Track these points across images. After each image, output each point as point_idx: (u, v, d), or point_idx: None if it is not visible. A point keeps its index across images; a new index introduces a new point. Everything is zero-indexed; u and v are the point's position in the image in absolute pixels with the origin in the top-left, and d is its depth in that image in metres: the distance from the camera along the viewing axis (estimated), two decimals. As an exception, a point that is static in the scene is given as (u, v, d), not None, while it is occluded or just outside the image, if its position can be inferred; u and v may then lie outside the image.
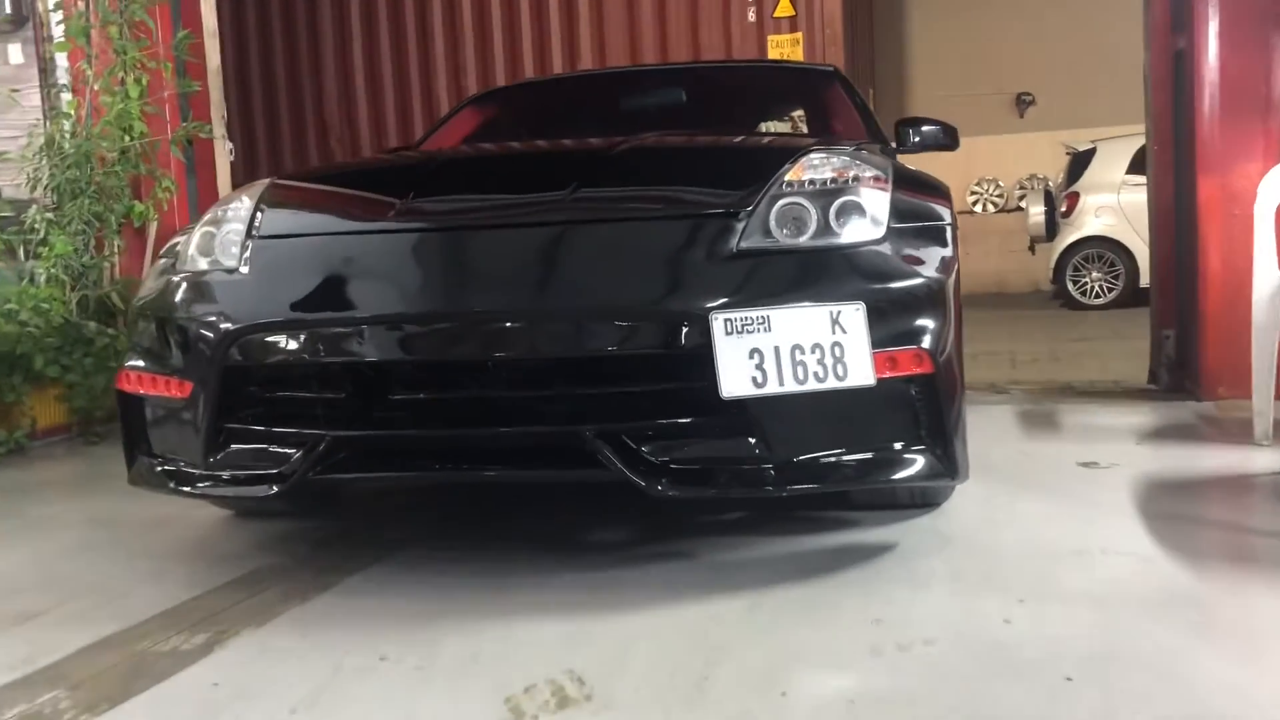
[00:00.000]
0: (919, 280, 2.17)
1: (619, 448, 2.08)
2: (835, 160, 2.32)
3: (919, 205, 2.34)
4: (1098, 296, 9.52)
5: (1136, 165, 9.25)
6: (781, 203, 2.21)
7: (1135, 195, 9.18)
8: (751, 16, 6.93)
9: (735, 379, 2.02)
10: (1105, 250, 9.30)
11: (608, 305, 2.12)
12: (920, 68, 13.90)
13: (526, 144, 3.13)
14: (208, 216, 2.55)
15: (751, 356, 2.03)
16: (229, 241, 2.43)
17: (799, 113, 3.98)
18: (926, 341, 2.12)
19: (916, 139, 3.32)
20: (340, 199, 2.66)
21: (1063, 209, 9.81)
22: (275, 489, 2.23)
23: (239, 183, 5.76)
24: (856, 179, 2.26)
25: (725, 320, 2.03)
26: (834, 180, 2.25)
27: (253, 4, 8.09)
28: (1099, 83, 12.54)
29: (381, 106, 7.90)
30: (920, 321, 2.14)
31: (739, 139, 2.94)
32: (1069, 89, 13.09)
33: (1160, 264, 4.63)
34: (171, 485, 2.38)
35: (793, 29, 6.85)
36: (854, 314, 2.05)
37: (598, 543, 2.59)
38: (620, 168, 2.53)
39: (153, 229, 5.17)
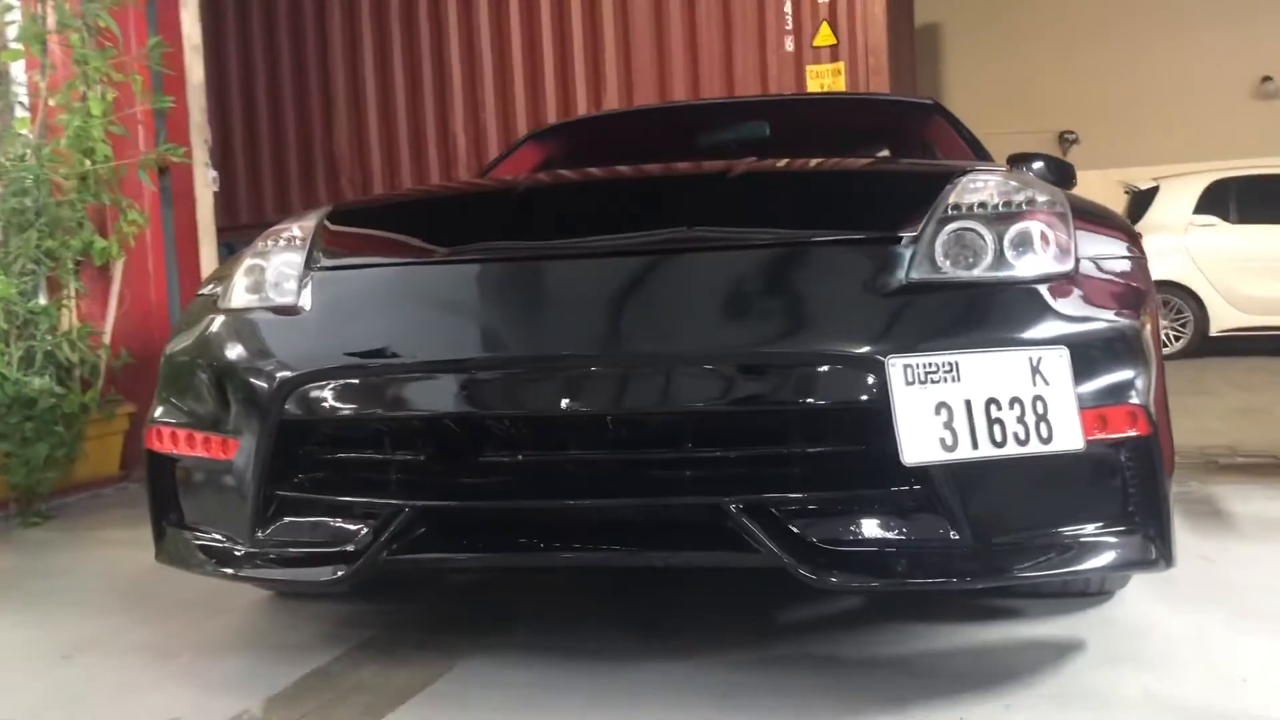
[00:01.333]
0: (1123, 322, 1.87)
1: (770, 525, 1.76)
2: (1004, 183, 2.03)
3: (1105, 236, 2.06)
4: (1164, 345, 9.18)
5: (1204, 204, 9.01)
6: (951, 227, 1.92)
7: (1203, 237, 8.94)
8: (789, 45, 6.74)
9: (919, 440, 1.71)
10: (1171, 296, 9.02)
11: (752, 348, 1.82)
12: (959, 104, 13.71)
13: (628, 166, 2.83)
14: (254, 249, 2.26)
15: (939, 412, 1.72)
16: (283, 274, 2.14)
17: (896, 150, 3.69)
18: (1139, 396, 1.82)
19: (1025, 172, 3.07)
20: (415, 226, 2.30)
21: (1121, 252, 9.51)
22: (341, 572, 1.91)
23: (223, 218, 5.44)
24: (1031, 203, 1.97)
25: (905, 367, 1.73)
26: (1007, 204, 1.96)
27: (258, 21, 7.92)
28: (1144, 121, 12.41)
29: (395, 144, 7.70)
30: (1129, 372, 1.84)
31: (875, 162, 2.66)
32: (1113, 127, 12.95)
33: None
34: (211, 565, 2.07)
35: (834, 59, 6.67)
36: (1057, 361, 1.75)
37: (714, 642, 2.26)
38: (743, 191, 2.23)
39: (118, 269, 4.51)
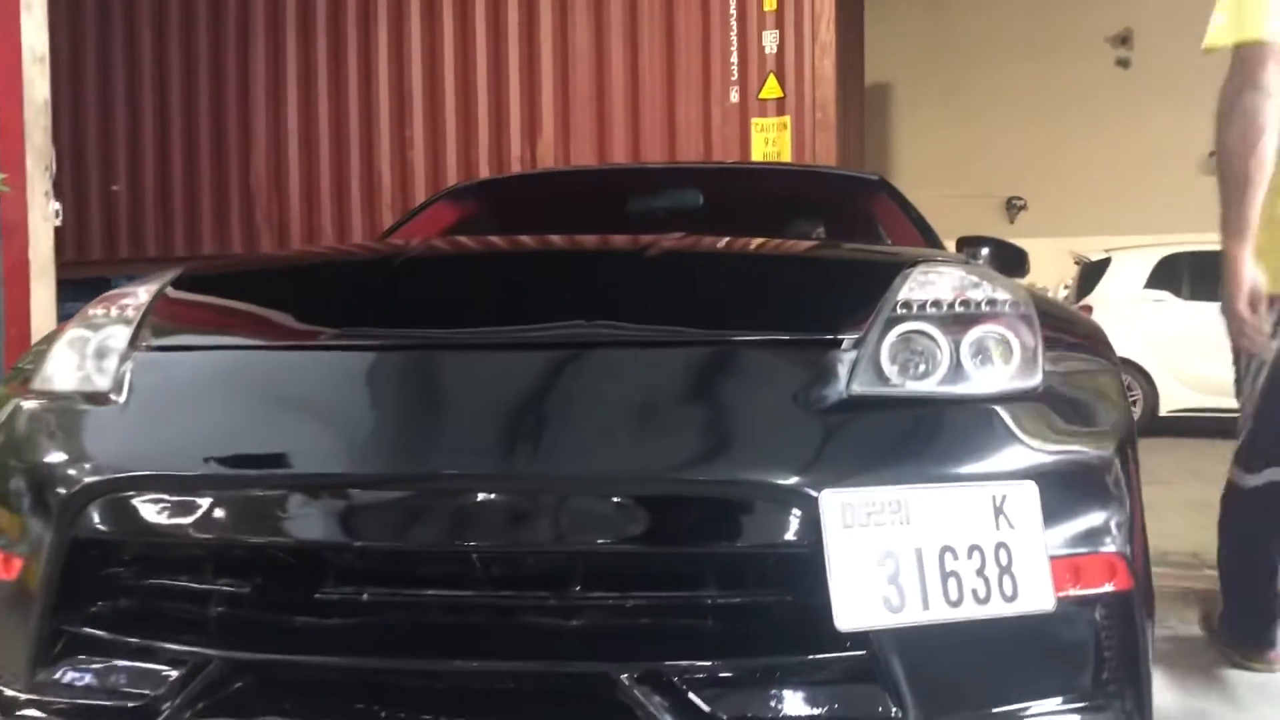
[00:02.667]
0: (1099, 451, 1.64)
1: (673, 700, 1.47)
2: (961, 277, 1.78)
3: (1076, 344, 1.85)
4: (1111, 423, 9.08)
5: (1156, 279, 8.96)
6: (901, 329, 1.66)
7: (1155, 312, 8.87)
8: (735, 97, 6.59)
9: (858, 599, 1.43)
10: (1122, 373, 8.93)
11: (655, 475, 1.54)
12: (905, 165, 13.78)
13: (531, 238, 2.58)
14: (82, 316, 1.93)
15: (883, 563, 1.45)
16: (104, 352, 1.81)
17: (835, 230, 3.55)
18: (1118, 542, 1.59)
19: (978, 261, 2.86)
20: (268, 301, 1.99)
21: (1070, 324, 9.43)
22: (132, 734, 1.56)
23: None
24: (993, 303, 1.72)
25: (844, 505, 1.46)
26: (964, 304, 1.71)
27: (176, 45, 7.57)
28: (1094, 190, 12.50)
29: (316, 180, 7.38)
30: (1106, 512, 1.60)
31: (815, 247, 2.43)
32: (1063, 195, 13.05)
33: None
34: (-24, 713, 1.71)
35: (780, 112, 6.52)
36: (1025, 499, 1.50)
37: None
38: (659, 276, 1.95)
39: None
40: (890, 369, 1.63)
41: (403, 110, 7.20)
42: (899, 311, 1.69)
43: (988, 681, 1.54)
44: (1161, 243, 9.52)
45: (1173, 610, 3.22)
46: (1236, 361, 2.68)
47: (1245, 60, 2.34)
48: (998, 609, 1.47)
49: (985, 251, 2.96)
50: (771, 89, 6.57)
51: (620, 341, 1.71)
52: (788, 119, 6.55)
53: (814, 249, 2.35)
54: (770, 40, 6.54)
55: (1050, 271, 12.59)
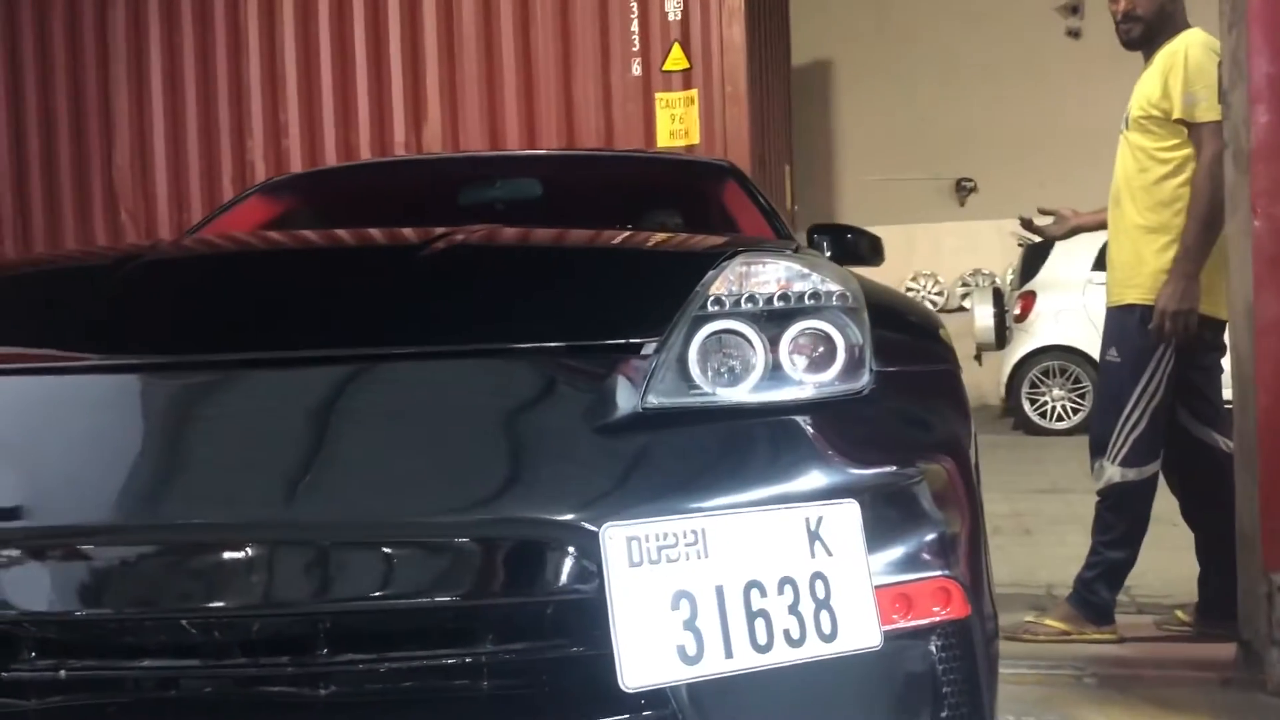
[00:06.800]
0: (933, 460, 1.59)
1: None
2: (783, 267, 1.70)
3: (910, 339, 1.80)
4: (1060, 419, 9.14)
5: (1104, 261, 8.90)
6: (709, 329, 1.60)
7: (1104, 297, 8.80)
8: (637, 69, 6.49)
9: (648, 651, 1.35)
10: (1069, 363, 8.89)
11: (410, 514, 1.44)
12: (848, 148, 13.79)
13: (292, 236, 2.50)
14: None
15: (677, 606, 1.37)
16: None
17: (678, 220, 3.61)
18: (954, 564, 1.53)
19: (834, 250, 2.99)
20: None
21: (1015, 311, 9.46)
22: None
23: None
24: (816, 296, 1.65)
25: (629, 539, 1.37)
26: (783, 298, 1.64)
27: (29, 24, 7.27)
28: (1046, 168, 12.47)
29: (184, 171, 7.12)
30: (940, 530, 1.54)
31: (624, 235, 2.35)
32: (1014, 174, 13.07)
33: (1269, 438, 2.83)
34: None
35: (687, 85, 6.41)
36: (845, 521, 1.44)
37: None
38: (443, 272, 1.85)
39: None
40: (697, 375, 1.56)
41: (275, 94, 7.02)
42: (709, 309, 1.62)
43: None
44: (1110, 222, 9.49)
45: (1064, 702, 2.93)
46: (1139, 362, 3.23)
47: (1220, 130, 2.97)
48: (815, 650, 1.39)
49: (843, 238, 3.08)
50: (676, 59, 6.47)
51: (370, 357, 1.62)
52: (695, 93, 6.48)
53: (617, 240, 2.27)
54: (674, 6, 6.44)
55: (999, 255, 12.69)
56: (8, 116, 7.34)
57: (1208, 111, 3.07)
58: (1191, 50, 3.15)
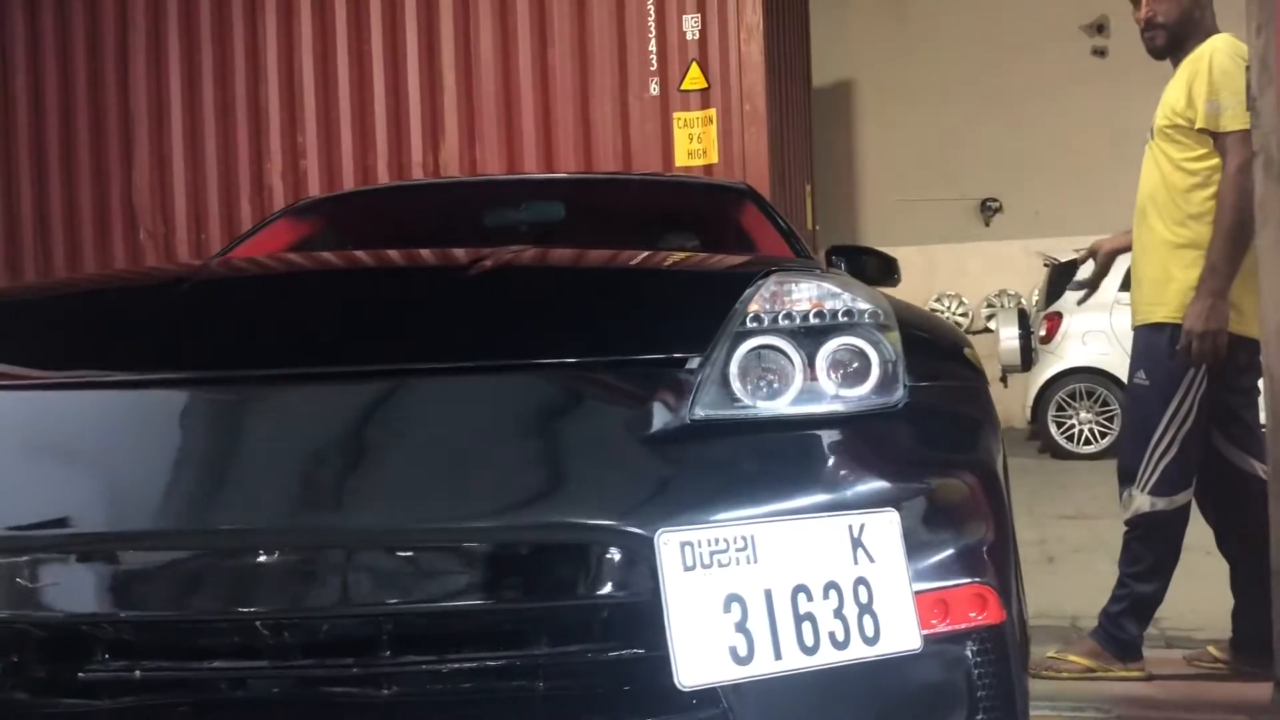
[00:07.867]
0: (966, 471, 1.69)
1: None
2: (815, 286, 1.80)
3: (941, 356, 1.90)
4: (1088, 443, 9.14)
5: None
6: (749, 345, 1.68)
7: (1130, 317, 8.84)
8: (654, 89, 6.57)
9: (702, 652, 1.43)
10: (1096, 385, 8.90)
11: (472, 520, 1.52)
12: (870, 168, 13.83)
13: (341, 255, 2.60)
14: None
15: (728, 609, 1.45)
16: None
17: (696, 242, 3.70)
18: (989, 571, 1.62)
19: (851, 272, 3.07)
20: (26, 334, 1.94)
21: (1041, 333, 9.47)
22: None
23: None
24: (850, 313, 1.74)
25: (683, 545, 1.45)
26: (819, 315, 1.74)
27: (51, 46, 7.42)
28: (1073, 188, 12.52)
29: (203, 193, 7.24)
30: (976, 538, 1.63)
31: (663, 255, 2.43)
32: (1040, 195, 13.13)
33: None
34: None
35: (705, 105, 6.51)
36: (886, 529, 1.52)
37: None
38: (484, 292, 1.94)
39: None
40: (739, 389, 1.64)
41: (294, 118, 7.15)
42: (748, 325, 1.71)
43: None
44: (1137, 243, 9.52)
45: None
46: (1168, 385, 3.14)
47: (1248, 139, 2.86)
48: (858, 652, 1.47)
49: (861, 261, 3.22)
50: (695, 79, 6.55)
51: (431, 370, 1.70)
52: (713, 112, 6.55)
53: (657, 260, 2.36)
54: (692, 25, 6.53)
55: (1025, 276, 12.68)
56: (29, 138, 7.49)
57: (1233, 120, 3.00)
58: (1216, 56, 3.08)
